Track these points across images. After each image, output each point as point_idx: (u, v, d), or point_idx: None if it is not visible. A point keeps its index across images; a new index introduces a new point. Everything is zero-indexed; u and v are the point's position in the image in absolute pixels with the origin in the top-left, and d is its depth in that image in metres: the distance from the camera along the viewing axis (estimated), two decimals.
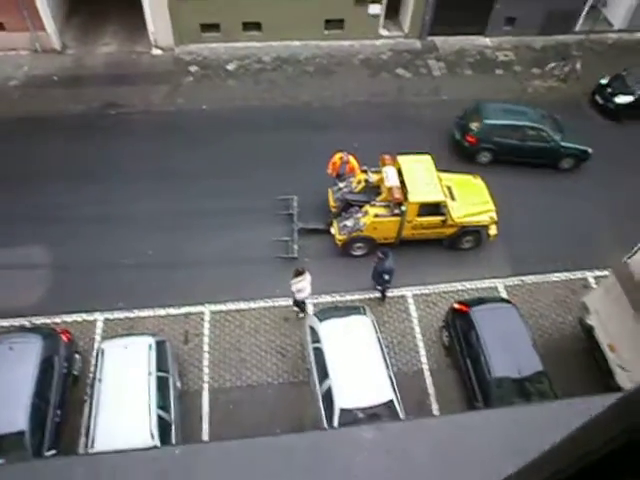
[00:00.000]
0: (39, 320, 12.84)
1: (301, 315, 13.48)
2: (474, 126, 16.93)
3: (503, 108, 17.48)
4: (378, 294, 13.88)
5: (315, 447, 1.93)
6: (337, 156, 15.08)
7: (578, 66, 20.29)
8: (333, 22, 20.76)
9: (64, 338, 11.84)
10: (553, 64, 20.74)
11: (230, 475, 1.89)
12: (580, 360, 13.27)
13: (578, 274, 14.97)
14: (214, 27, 20.22)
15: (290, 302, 13.43)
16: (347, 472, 1.87)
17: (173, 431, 10.63)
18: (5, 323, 12.76)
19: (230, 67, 19.97)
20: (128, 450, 2.13)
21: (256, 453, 1.94)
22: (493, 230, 14.73)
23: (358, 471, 1.86)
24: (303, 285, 12.60)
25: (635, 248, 11.41)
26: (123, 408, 10.38)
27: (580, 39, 20.80)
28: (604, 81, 19.63)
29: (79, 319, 13.13)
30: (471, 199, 14.76)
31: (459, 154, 17.32)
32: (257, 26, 20.44)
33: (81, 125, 17.33)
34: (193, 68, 19.81)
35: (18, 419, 10.04)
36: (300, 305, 13.32)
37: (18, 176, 15.56)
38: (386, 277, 13.04)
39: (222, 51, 20.45)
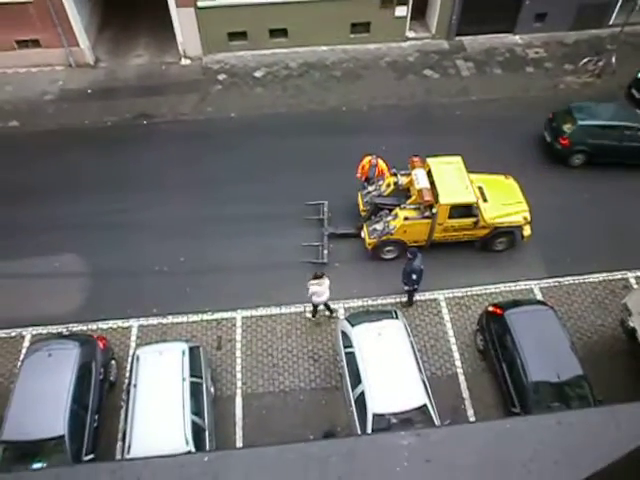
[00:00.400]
0: (76, 327, 13.15)
1: (308, 315, 13.49)
2: (567, 128, 16.54)
3: (597, 108, 17.05)
4: (405, 298, 13.71)
5: (351, 455, 1.84)
6: (366, 159, 15.01)
7: (613, 60, 19.70)
8: (359, 26, 20.72)
9: (100, 345, 12.08)
10: (587, 59, 20.20)
11: None
12: (622, 363, 12.81)
13: (618, 274, 14.49)
14: (241, 35, 20.45)
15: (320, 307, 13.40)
16: None
17: (207, 437, 10.71)
18: (43, 330, 13.11)
19: (257, 74, 20.14)
20: (155, 457, 2.10)
21: (289, 460, 1.86)
22: (527, 231, 14.39)
23: None
24: (320, 289, 12.54)
25: None
26: (158, 414, 10.51)
27: (614, 32, 20.19)
28: None
29: (114, 326, 13.39)
30: (503, 199, 14.46)
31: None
32: (283, 32, 20.57)
33: (114, 136, 17.74)
34: (221, 76, 20.06)
35: (58, 424, 10.28)
36: (315, 309, 13.30)
37: (53, 186, 16.03)
38: (414, 277, 12.88)
39: (249, 59, 20.64)
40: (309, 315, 13.52)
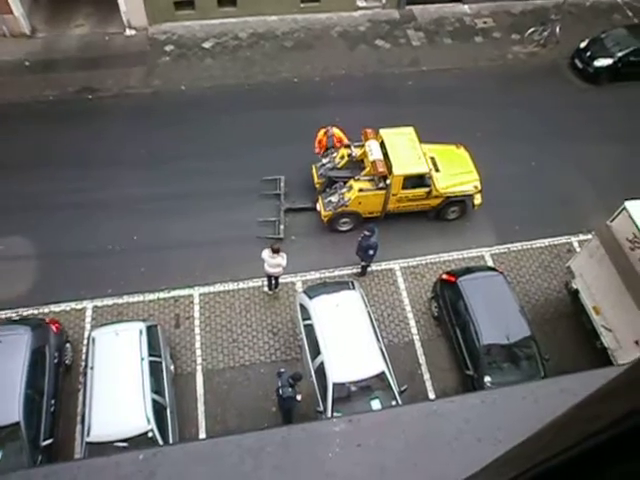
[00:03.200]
0: (27, 312, 12.77)
1: (265, 289, 13.59)
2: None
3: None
4: (359, 269, 13.94)
5: (284, 444, 1.91)
6: (321, 132, 14.95)
7: (557, 30, 20.13)
8: None
9: (53, 328, 11.79)
10: (532, 29, 20.54)
11: (195, 478, 1.86)
12: (567, 323, 13.52)
13: (562, 239, 15.14)
14: (188, 4, 19.71)
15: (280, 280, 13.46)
16: (318, 469, 1.85)
17: (168, 414, 10.72)
18: None
19: (206, 45, 19.56)
20: (88, 457, 2.11)
21: (224, 452, 1.90)
22: (478, 199, 14.78)
23: (330, 468, 1.85)
24: (271, 261, 12.54)
25: (617, 211, 11.54)
26: (117, 394, 10.43)
27: (558, 2, 20.58)
28: (583, 45, 19.54)
29: (67, 308, 13.07)
30: (455, 169, 14.76)
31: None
32: (232, 1, 19.97)
33: (56, 111, 16.96)
34: (169, 47, 19.37)
35: (12, 411, 10.04)
36: (270, 281, 13.36)
37: None
38: (370, 252, 13.10)
39: (197, 29, 19.98)
40: (266, 289, 13.57)
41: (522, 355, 11.95)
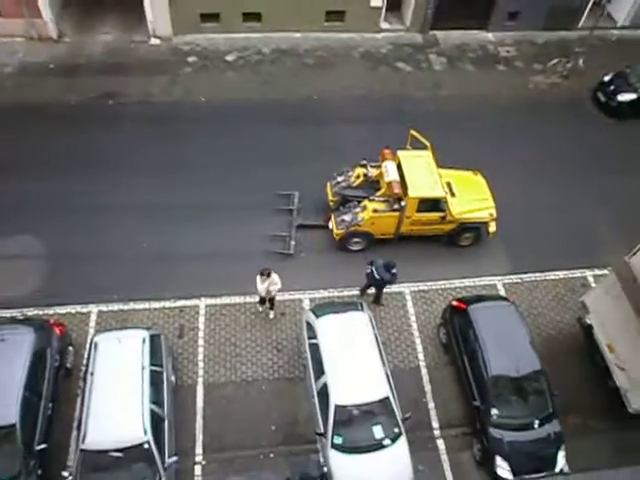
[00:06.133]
0: (31, 312, 12.67)
1: (259, 307, 13.39)
2: None
3: None
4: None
5: None
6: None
7: (580, 62, 20.08)
8: (334, 14, 20.47)
9: (57, 330, 11.68)
10: (555, 60, 20.52)
11: None
12: (578, 359, 13.17)
13: (577, 273, 14.85)
14: (213, 17, 19.93)
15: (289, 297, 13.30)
16: None
17: (166, 426, 10.50)
18: None
19: (229, 58, 19.71)
20: None
21: None
22: (492, 227, 14.57)
23: None
24: (259, 286, 12.38)
25: (636, 247, 11.28)
26: (116, 402, 10.23)
27: (583, 35, 20.56)
28: (607, 78, 19.43)
29: (73, 311, 12.98)
30: (471, 195, 14.58)
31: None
32: (257, 17, 20.17)
33: (78, 115, 17.08)
34: (191, 58, 19.54)
35: (9, 412, 9.88)
36: (269, 302, 13.12)
37: (12, 166, 15.29)
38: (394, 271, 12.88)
39: (221, 42, 20.17)
40: (259, 307, 13.38)
41: (531, 389, 11.61)
